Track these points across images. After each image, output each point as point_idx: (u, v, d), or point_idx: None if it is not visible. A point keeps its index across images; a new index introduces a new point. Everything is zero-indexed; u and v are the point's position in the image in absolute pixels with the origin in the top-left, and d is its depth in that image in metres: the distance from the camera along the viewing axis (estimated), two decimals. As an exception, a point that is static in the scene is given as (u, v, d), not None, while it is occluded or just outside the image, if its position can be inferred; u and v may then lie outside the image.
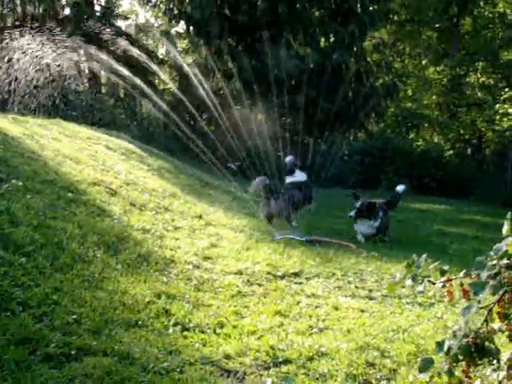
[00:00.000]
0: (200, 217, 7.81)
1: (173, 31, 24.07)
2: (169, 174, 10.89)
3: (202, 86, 9.52)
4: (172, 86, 20.67)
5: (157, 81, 21.86)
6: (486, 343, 2.62)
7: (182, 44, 24.29)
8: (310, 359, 3.68)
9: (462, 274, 2.90)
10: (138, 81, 9.96)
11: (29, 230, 4.88)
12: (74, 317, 3.72)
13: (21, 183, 6.00)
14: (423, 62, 28.20)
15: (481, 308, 2.68)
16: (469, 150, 27.10)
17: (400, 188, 9.36)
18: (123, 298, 4.23)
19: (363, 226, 8.62)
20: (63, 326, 3.58)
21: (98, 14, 23.00)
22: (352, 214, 8.62)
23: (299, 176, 8.81)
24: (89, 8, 22.06)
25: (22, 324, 3.46)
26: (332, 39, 21.87)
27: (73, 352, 3.30)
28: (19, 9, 21.03)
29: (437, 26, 26.51)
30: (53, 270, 4.38)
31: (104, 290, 4.32)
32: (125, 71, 9.84)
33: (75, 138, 10.07)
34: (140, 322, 3.91)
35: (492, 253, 2.61)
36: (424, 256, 3.04)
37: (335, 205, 12.05)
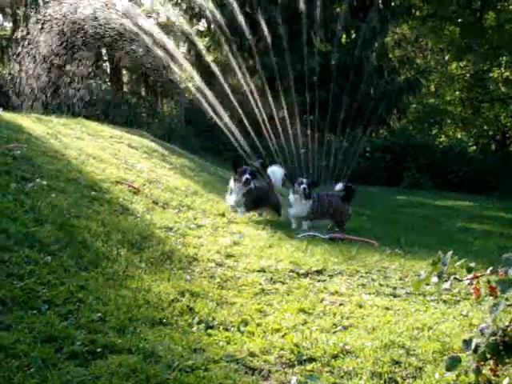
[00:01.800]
0: (222, 215, 7.82)
1: (194, 29, 24.13)
2: (191, 172, 10.93)
3: (224, 83, 9.53)
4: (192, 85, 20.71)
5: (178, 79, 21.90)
6: (515, 342, 2.59)
7: (203, 42, 24.34)
8: (335, 357, 3.66)
9: (488, 272, 2.87)
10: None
11: (53, 228, 4.93)
12: (99, 315, 3.74)
13: (45, 182, 6.07)
14: (446, 58, 27.92)
15: (508, 306, 2.64)
16: (493, 146, 26.78)
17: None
18: (147, 296, 4.25)
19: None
20: (88, 323, 3.60)
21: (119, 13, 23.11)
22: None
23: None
24: (110, 8, 22.16)
25: (48, 322, 3.49)
26: (353, 35, 21.73)
27: (98, 350, 3.31)
28: (42, 10, 21.20)
29: (460, 20, 26.19)
30: (77, 269, 4.42)
31: (128, 288, 4.34)
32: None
33: (98, 137, 10.16)
34: (164, 320, 3.92)
35: (519, 250, 2.57)
36: (450, 253, 3.01)
37: (357, 203, 11.97)
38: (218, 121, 9.97)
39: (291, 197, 8.30)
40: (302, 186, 8.13)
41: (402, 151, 20.60)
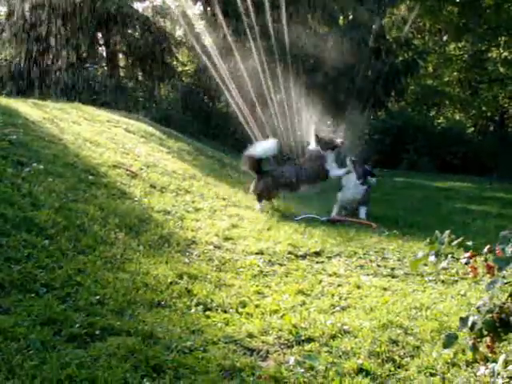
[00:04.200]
0: (220, 198, 7.81)
1: (190, 12, 23.95)
2: (188, 156, 10.89)
3: (221, 67, 9.47)
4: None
5: (175, 63, 21.78)
6: (511, 318, 2.59)
7: (200, 25, 24.17)
8: (333, 337, 3.68)
9: (486, 250, 2.87)
10: None
11: (51, 212, 4.92)
12: (98, 298, 3.75)
13: (42, 167, 6.05)
14: (444, 38, 27.71)
15: (505, 283, 2.65)
16: (491, 127, 26.69)
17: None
18: (145, 279, 4.26)
19: None
20: (87, 306, 3.62)
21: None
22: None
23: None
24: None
25: (47, 305, 3.50)
26: (351, 17, 21.60)
27: (97, 332, 3.33)
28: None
29: (458, 0, 25.94)
30: (75, 252, 4.42)
31: (126, 271, 4.35)
32: None
33: (95, 122, 10.12)
34: (163, 303, 3.93)
35: (517, 227, 2.57)
36: (447, 232, 3.00)
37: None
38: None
39: None
40: None
41: (401, 133, 20.55)
